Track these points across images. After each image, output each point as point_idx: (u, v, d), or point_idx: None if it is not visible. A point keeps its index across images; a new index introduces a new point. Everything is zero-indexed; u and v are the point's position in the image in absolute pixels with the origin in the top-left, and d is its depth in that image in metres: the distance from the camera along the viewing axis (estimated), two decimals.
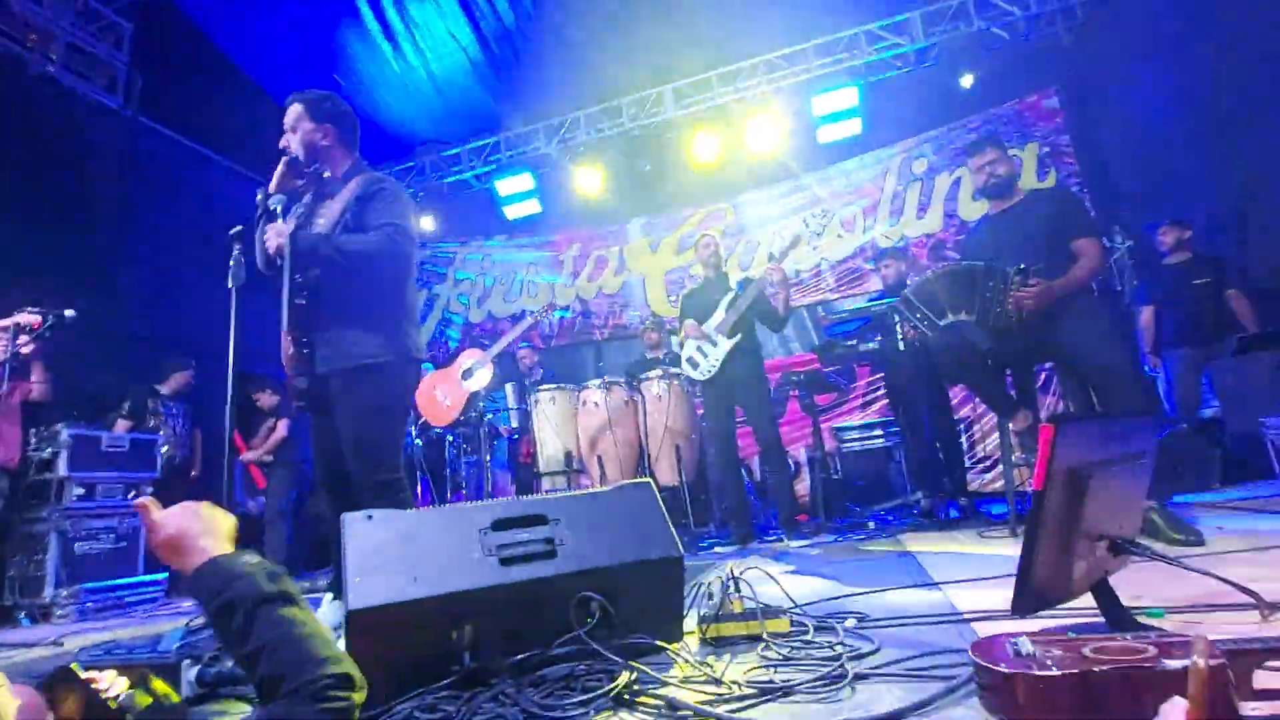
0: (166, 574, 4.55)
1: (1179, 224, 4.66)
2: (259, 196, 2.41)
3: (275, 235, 2.22)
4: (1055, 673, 0.83)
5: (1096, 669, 0.82)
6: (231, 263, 2.51)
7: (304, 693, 0.85)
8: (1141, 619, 1.21)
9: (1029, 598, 1.07)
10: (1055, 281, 2.53)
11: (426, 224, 8.24)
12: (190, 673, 1.57)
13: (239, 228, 2.53)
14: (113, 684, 1.10)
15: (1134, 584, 1.52)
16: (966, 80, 6.53)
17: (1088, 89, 6.40)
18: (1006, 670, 0.87)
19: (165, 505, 4.18)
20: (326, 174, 2.46)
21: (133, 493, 4.45)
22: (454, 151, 8.31)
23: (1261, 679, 0.84)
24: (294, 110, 2.39)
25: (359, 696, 0.88)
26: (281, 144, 2.39)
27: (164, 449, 4.78)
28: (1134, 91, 5.76)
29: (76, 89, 5.56)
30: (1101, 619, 1.19)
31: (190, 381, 5.11)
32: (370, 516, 1.40)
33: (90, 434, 4.26)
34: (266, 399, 5.52)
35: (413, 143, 8.36)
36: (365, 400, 2.19)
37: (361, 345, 2.22)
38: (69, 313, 3.43)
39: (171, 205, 6.19)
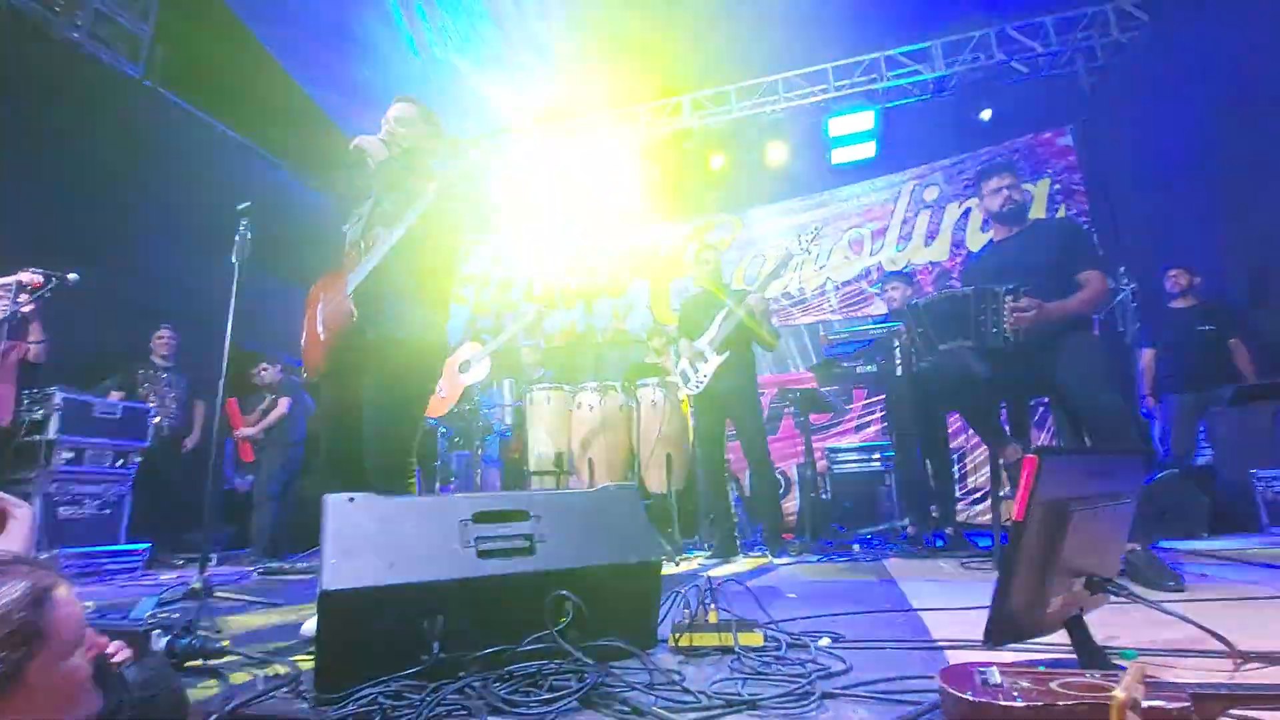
0: (148, 545, 4.54)
1: (1188, 269, 4.68)
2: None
3: None
4: (1019, 704, 0.83)
5: (1060, 704, 0.82)
6: (237, 238, 2.53)
7: None
8: (1114, 659, 1.21)
9: (1003, 628, 1.07)
10: (1050, 303, 2.52)
11: None
12: (160, 643, 1.56)
13: (247, 204, 2.55)
14: (119, 650, 1.11)
15: (1110, 624, 1.51)
16: (986, 114, 6.56)
17: (1101, 130, 6.43)
18: (972, 699, 0.86)
19: (153, 476, 4.21)
20: None
21: (121, 461, 4.45)
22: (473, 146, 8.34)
23: None
24: (411, 109, 2.46)
25: None
26: (389, 129, 2.42)
27: (155, 419, 4.77)
28: (1147, 137, 5.79)
29: (99, 55, 5.59)
30: (1075, 656, 1.19)
31: (170, 345, 5.10)
32: (353, 499, 1.40)
33: (82, 399, 4.26)
34: (268, 375, 5.50)
35: None
36: (403, 373, 2.20)
37: (416, 320, 2.25)
38: (71, 276, 3.43)
39: (184, 178, 6.21)
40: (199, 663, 1.56)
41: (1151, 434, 4.86)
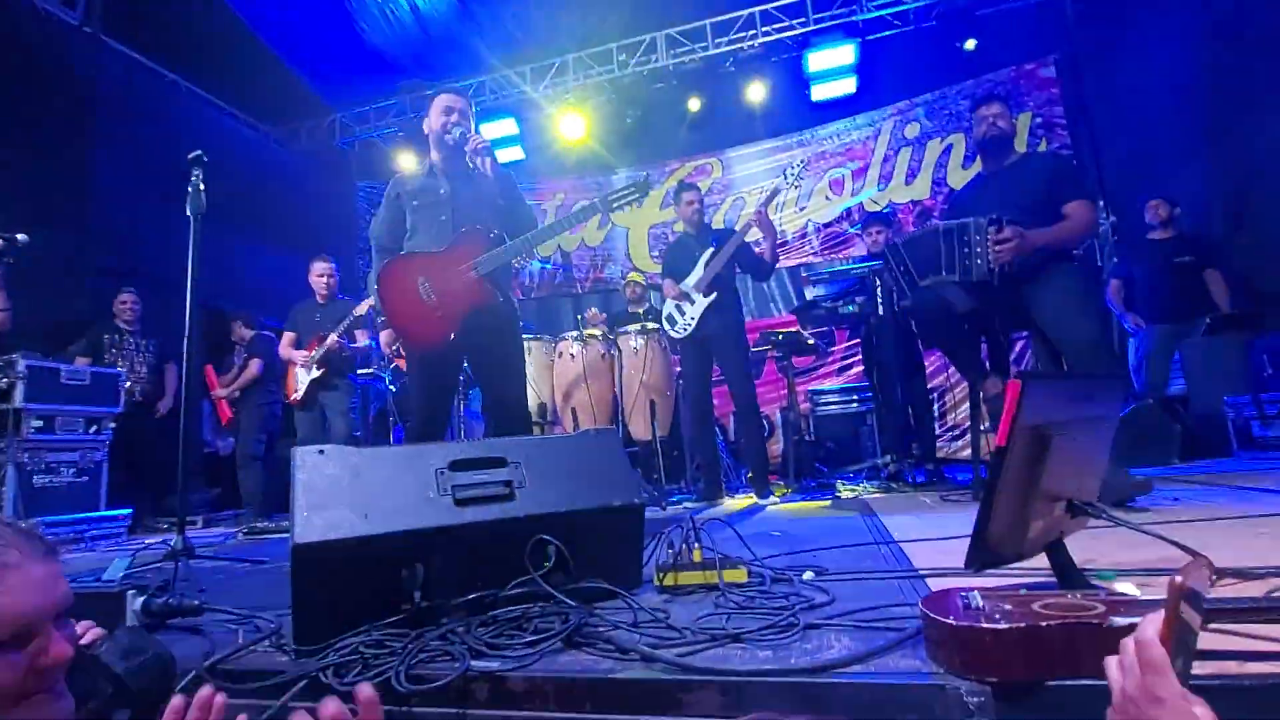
0: (130, 510, 4.50)
1: (1168, 200, 4.67)
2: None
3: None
4: (1002, 626, 0.83)
5: (1044, 624, 0.81)
6: (189, 189, 2.40)
7: None
8: (1093, 580, 1.22)
9: (984, 553, 1.07)
10: (1031, 231, 2.50)
11: (405, 161, 7.98)
12: (135, 603, 1.53)
13: (198, 152, 2.41)
14: (88, 631, 1.08)
15: (1088, 548, 1.53)
16: (970, 44, 6.39)
17: (1085, 61, 6.30)
18: (954, 623, 0.86)
19: (129, 441, 4.13)
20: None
21: (94, 427, 4.36)
22: (434, 91, 8.02)
23: (1207, 640, 0.84)
24: (468, 105, 2.78)
25: None
26: (455, 121, 2.68)
27: (126, 384, 4.66)
28: (1131, 69, 5.68)
29: (33, 1, 5.22)
30: (1055, 580, 1.20)
31: (134, 309, 4.96)
32: (322, 451, 1.36)
33: (49, 365, 4.13)
34: (240, 331, 5.38)
35: (394, 77, 8.03)
36: (519, 331, 2.81)
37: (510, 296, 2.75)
38: (21, 237, 3.27)
39: (135, 130, 5.92)
40: (177, 620, 1.54)
41: (1127, 366, 4.94)
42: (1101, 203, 5.79)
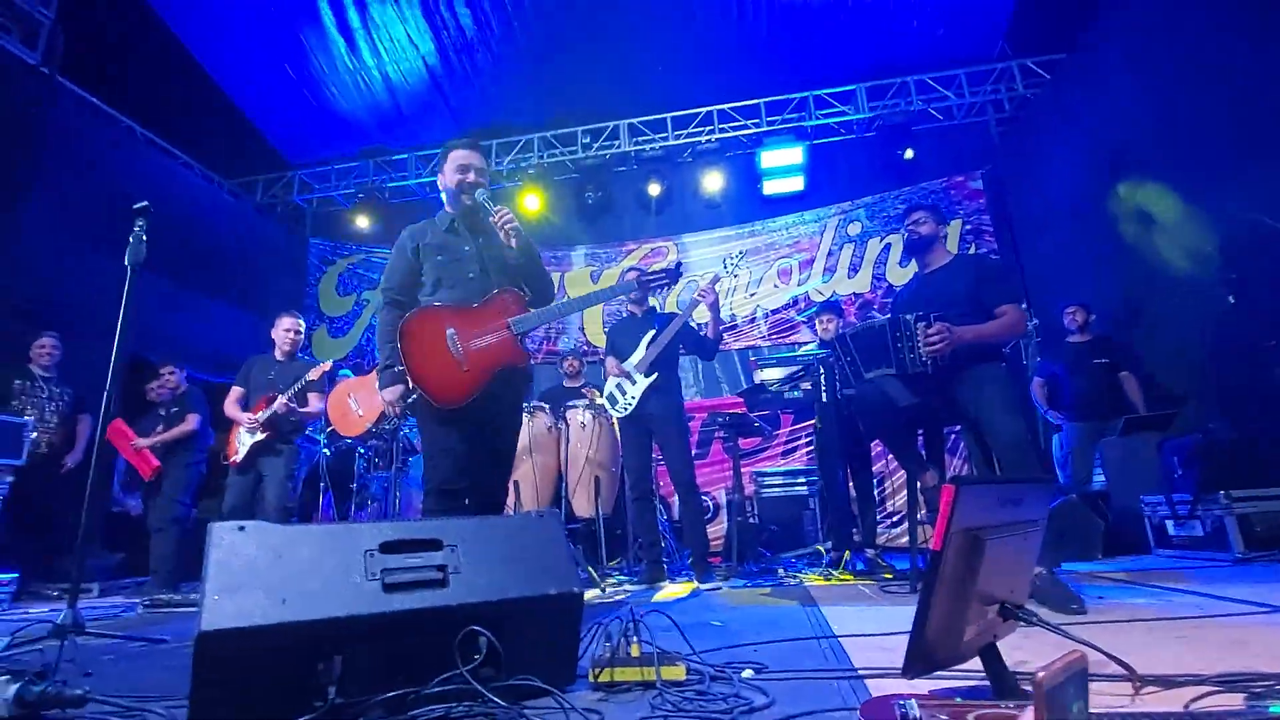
0: (15, 574, 4.09)
1: (1084, 306, 5.05)
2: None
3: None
4: None
5: None
6: (131, 239, 2.33)
7: None
8: (1025, 685, 1.23)
9: (921, 659, 1.07)
10: (960, 328, 2.65)
11: (362, 223, 7.97)
12: (9, 690, 1.37)
13: (144, 203, 2.36)
14: None
15: (1020, 648, 1.55)
16: (909, 153, 6.92)
17: (1007, 175, 6.91)
18: None
19: (30, 495, 3.80)
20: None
21: None
22: (401, 156, 8.14)
23: None
24: (483, 159, 2.68)
25: None
26: (473, 180, 2.60)
27: (32, 434, 4.32)
28: (1046, 183, 6.25)
29: None
30: (988, 683, 1.20)
31: (53, 355, 4.65)
32: (243, 528, 1.28)
33: None
34: (172, 380, 5.01)
35: (359, 142, 8.13)
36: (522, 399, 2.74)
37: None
38: None
39: (80, 172, 5.76)
40: (55, 713, 1.38)
41: (1051, 461, 5.18)
42: (1025, 305, 6.22)
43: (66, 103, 5.81)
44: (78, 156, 5.77)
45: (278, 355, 4.53)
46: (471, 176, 2.58)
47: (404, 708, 1.18)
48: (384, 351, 2.51)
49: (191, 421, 4.85)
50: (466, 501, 2.41)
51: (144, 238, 2.30)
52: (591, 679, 1.43)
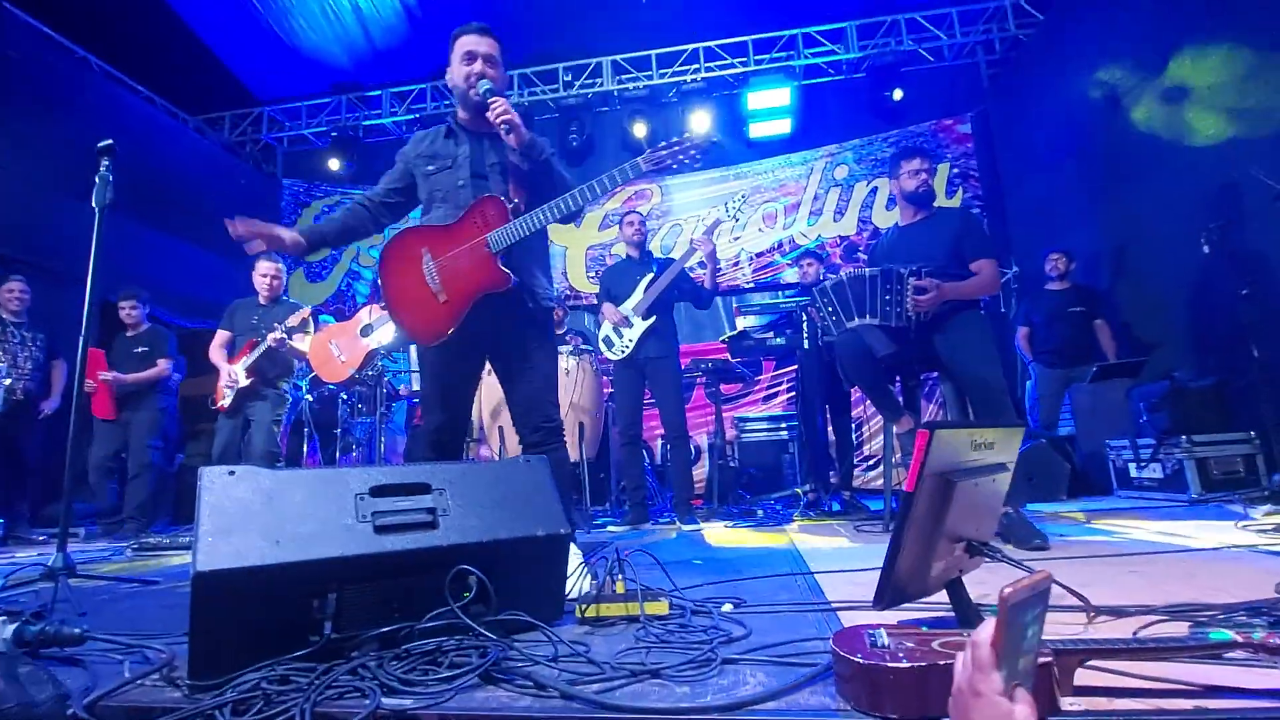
0: (1, 520, 4.10)
1: (1065, 254, 5.09)
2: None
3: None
4: (904, 665, 0.88)
5: (940, 663, 0.87)
6: (97, 179, 2.25)
7: None
8: (987, 615, 1.31)
9: (891, 592, 1.13)
10: (947, 284, 2.68)
11: (333, 166, 7.72)
12: (6, 630, 1.40)
13: (108, 141, 2.27)
14: None
15: (984, 582, 1.64)
16: (897, 94, 6.79)
17: (996, 119, 6.83)
18: (861, 661, 0.91)
19: (7, 443, 3.77)
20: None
21: None
22: (375, 93, 7.84)
23: (1082, 677, 0.92)
24: (495, 46, 2.25)
25: None
26: (480, 71, 2.18)
27: (5, 381, 4.26)
28: (1035, 127, 6.20)
29: None
30: (953, 613, 1.27)
31: (22, 299, 4.54)
32: (233, 472, 1.29)
33: None
34: (135, 315, 4.91)
35: (330, 78, 7.79)
36: (553, 345, 2.31)
37: (548, 290, 2.32)
38: None
39: (37, 109, 5.49)
40: (54, 650, 1.41)
41: (1024, 406, 5.32)
42: (1010, 255, 6.25)
43: (15, 32, 5.48)
44: (33, 90, 5.48)
45: (260, 300, 4.47)
46: (479, 66, 2.18)
47: (398, 642, 1.23)
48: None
49: (164, 366, 4.80)
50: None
51: (109, 178, 2.22)
52: (578, 614, 1.49)
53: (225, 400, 4.30)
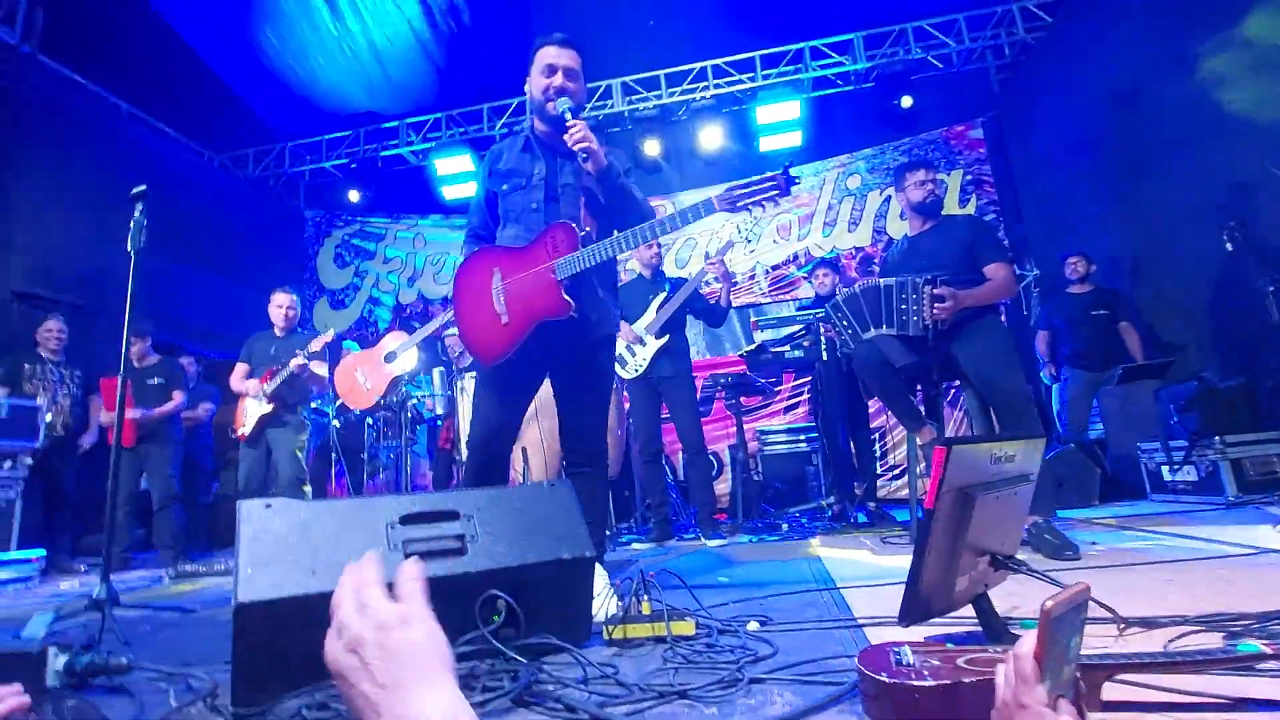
0: (44, 552, 4.21)
1: (1086, 257, 5.04)
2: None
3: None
4: (929, 683, 0.89)
5: (966, 680, 0.88)
6: (132, 224, 2.35)
7: None
8: (1016, 630, 1.30)
9: (916, 608, 1.14)
10: (963, 292, 2.68)
11: (353, 197, 7.92)
12: (58, 662, 1.46)
13: (142, 187, 2.37)
14: (9, 699, 0.98)
15: (1013, 595, 1.63)
16: (907, 101, 6.80)
17: (1008, 124, 6.80)
18: (886, 679, 0.92)
19: (48, 477, 3.87)
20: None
21: (8, 463, 4.10)
22: (391, 124, 8.02)
23: (1110, 691, 0.92)
24: (576, 59, 2.18)
25: None
26: (560, 85, 2.12)
27: (47, 417, 4.40)
28: (1049, 131, 6.16)
29: None
30: (981, 628, 1.27)
31: (60, 339, 4.68)
32: (269, 505, 1.34)
33: None
34: (140, 346, 4.89)
35: (346, 111, 8.00)
36: (609, 372, 2.29)
37: (614, 317, 2.29)
38: None
39: (70, 153, 5.71)
40: (102, 680, 1.46)
41: (1050, 412, 5.24)
42: (1028, 259, 6.19)
43: (49, 81, 5.72)
44: (66, 135, 5.71)
45: (276, 331, 4.59)
46: (559, 79, 2.11)
47: None
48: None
49: (180, 399, 4.89)
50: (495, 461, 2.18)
51: (144, 223, 2.32)
52: (606, 635, 1.51)
53: (245, 429, 4.39)
